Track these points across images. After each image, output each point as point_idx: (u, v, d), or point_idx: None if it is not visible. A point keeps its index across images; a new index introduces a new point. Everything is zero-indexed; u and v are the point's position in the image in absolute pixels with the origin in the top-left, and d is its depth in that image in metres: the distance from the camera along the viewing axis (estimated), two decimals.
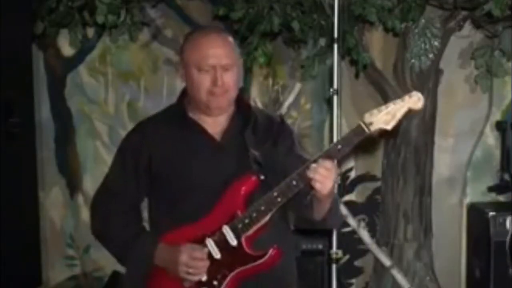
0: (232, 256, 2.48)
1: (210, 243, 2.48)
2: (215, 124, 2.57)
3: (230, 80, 2.52)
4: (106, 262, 4.53)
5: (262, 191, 2.48)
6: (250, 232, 2.47)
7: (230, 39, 2.57)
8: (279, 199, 2.44)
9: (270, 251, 2.48)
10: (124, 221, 2.60)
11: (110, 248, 2.67)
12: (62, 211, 4.64)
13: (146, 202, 2.68)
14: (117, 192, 2.60)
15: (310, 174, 2.38)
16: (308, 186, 2.43)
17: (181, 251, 2.46)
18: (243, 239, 2.47)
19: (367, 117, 2.40)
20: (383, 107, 2.40)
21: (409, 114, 2.42)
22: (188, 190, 2.51)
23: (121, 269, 4.26)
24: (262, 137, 2.58)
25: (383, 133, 2.43)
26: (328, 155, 2.40)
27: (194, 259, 2.46)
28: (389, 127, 2.40)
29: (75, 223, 4.63)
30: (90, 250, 4.60)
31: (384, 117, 2.39)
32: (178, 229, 2.51)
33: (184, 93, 2.63)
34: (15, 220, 3.49)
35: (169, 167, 2.53)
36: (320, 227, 2.65)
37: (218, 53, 2.49)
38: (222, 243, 2.47)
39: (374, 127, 2.39)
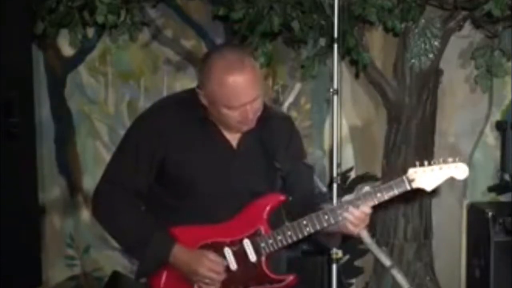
0: (249, 272, 2.48)
1: (228, 253, 2.48)
2: (232, 130, 2.54)
3: (258, 105, 2.47)
4: (106, 262, 4.54)
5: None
6: (271, 252, 2.48)
7: (252, 63, 2.44)
8: (307, 229, 2.47)
9: (289, 278, 2.50)
10: (134, 213, 2.56)
11: (120, 240, 2.64)
12: (62, 211, 4.64)
13: None
14: (127, 183, 2.53)
15: (348, 216, 2.44)
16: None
17: (202, 262, 2.45)
18: (263, 259, 2.48)
19: (411, 173, 2.46)
20: (428, 168, 2.45)
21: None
22: (198, 191, 2.50)
23: (121, 269, 4.29)
24: (276, 143, 2.57)
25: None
26: (365, 200, 2.46)
27: (212, 272, 2.46)
28: (429, 190, 2.48)
29: (75, 223, 4.63)
30: (90, 250, 4.61)
31: (427, 180, 2.46)
32: (192, 228, 2.49)
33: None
34: (15, 220, 3.48)
35: (183, 167, 2.50)
36: (321, 242, 2.71)
37: (247, 90, 2.40)
38: (241, 256, 2.47)
39: (415, 185, 2.47)
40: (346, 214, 2.45)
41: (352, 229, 2.48)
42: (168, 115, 2.55)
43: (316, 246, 2.99)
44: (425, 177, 2.46)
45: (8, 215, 3.41)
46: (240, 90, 2.39)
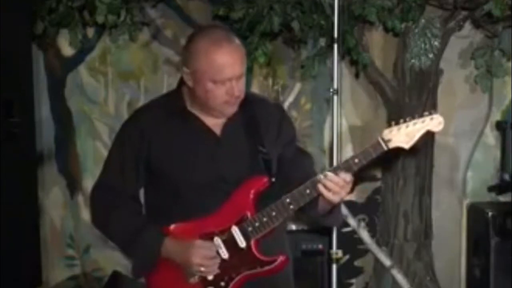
0: (240, 258, 2.48)
1: (218, 242, 2.48)
2: (215, 118, 2.55)
3: (243, 86, 2.50)
4: (106, 262, 4.53)
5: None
6: (259, 236, 2.48)
7: (238, 41, 2.50)
8: (291, 206, 2.46)
9: (280, 258, 2.49)
10: (125, 213, 2.58)
11: (115, 241, 2.66)
12: (62, 211, 4.64)
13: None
14: (116, 185, 2.58)
15: (327, 183, 2.40)
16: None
17: (193, 252, 2.46)
18: (252, 243, 2.48)
19: (386, 134, 2.41)
20: (403, 126, 2.40)
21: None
22: (187, 184, 2.51)
23: (121, 269, 4.30)
24: (265, 128, 2.57)
25: (398, 149, 2.43)
26: (345, 168, 2.43)
27: (207, 259, 2.46)
28: (406, 146, 2.42)
29: (75, 223, 4.62)
30: (90, 250, 4.60)
31: (403, 137, 2.41)
32: (184, 223, 2.50)
33: (182, 82, 2.59)
34: (15, 220, 3.49)
35: (168, 161, 2.52)
36: (321, 223, 2.65)
37: (234, 65, 2.43)
38: (230, 244, 2.48)
39: (392, 145, 2.41)
40: (325, 181, 2.40)
41: (331, 197, 2.41)
42: (149, 113, 2.59)
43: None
44: (400, 134, 2.40)
45: (8, 215, 3.41)
46: (228, 61, 2.42)
